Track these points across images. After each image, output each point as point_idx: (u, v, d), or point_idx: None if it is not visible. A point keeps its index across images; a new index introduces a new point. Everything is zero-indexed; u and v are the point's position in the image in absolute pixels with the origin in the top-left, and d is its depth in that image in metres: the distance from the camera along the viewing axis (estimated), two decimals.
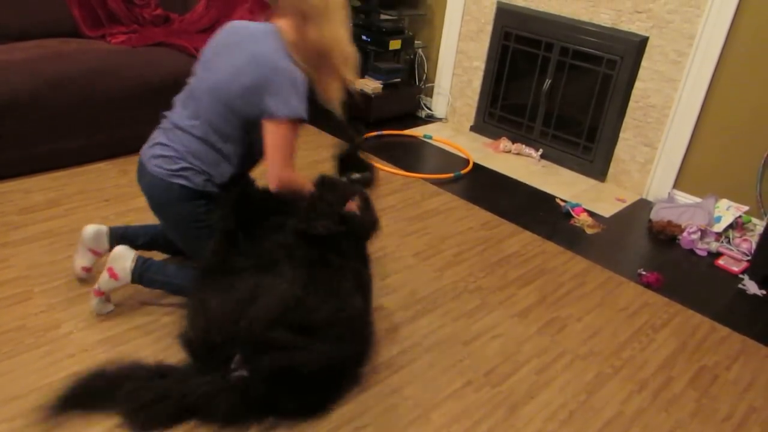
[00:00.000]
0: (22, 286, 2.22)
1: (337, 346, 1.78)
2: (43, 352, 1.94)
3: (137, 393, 1.71)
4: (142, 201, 2.17)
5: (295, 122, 1.90)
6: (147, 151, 2.05)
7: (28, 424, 1.69)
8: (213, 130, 1.97)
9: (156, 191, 2.02)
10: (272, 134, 1.90)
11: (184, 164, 1.98)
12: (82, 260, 2.22)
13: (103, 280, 2.04)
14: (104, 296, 2.10)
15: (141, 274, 2.05)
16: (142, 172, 2.04)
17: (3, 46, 3.06)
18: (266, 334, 1.69)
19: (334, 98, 2.03)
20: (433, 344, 2.17)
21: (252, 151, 2.06)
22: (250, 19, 3.62)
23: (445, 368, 2.07)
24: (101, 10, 3.46)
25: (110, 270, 2.03)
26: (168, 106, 2.10)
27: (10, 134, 2.82)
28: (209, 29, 3.57)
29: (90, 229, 2.18)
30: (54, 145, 2.94)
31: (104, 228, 2.20)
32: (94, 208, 2.75)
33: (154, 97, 3.00)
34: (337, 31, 1.92)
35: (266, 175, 1.95)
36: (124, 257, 2.04)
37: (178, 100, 2.08)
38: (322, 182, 2.00)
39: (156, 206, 2.07)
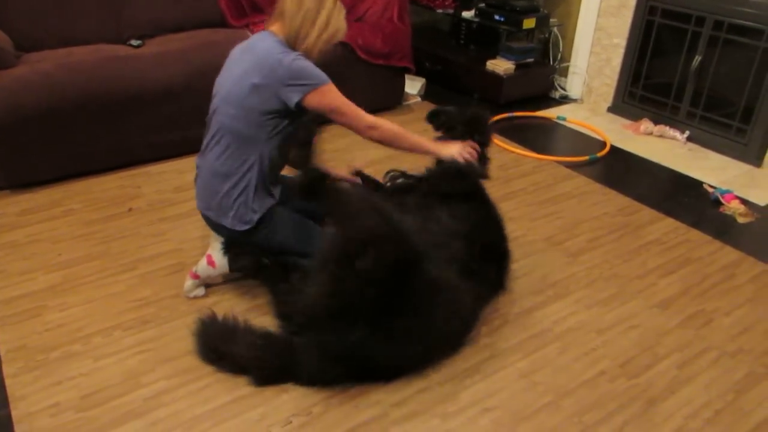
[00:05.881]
0: (177, 258, 2.43)
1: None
2: (195, 318, 2.11)
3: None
4: None
5: (328, 84, 1.93)
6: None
7: (183, 383, 1.86)
8: (236, 138, 2.00)
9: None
10: (320, 103, 1.92)
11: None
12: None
13: (201, 266, 2.15)
14: (199, 280, 2.18)
15: None
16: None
17: (161, 38, 3.35)
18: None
19: None
20: (565, 331, 2.11)
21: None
22: (384, 2, 3.72)
23: (577, 356, 2.00)
24: (245, 1, 3.67)
25: (209, 257, 2.14)
26: None
27: (166, 119, 3.09)
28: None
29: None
30: (204, 129, 3.16)
31: None
32: None
33: None
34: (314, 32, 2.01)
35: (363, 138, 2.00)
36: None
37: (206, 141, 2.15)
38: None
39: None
